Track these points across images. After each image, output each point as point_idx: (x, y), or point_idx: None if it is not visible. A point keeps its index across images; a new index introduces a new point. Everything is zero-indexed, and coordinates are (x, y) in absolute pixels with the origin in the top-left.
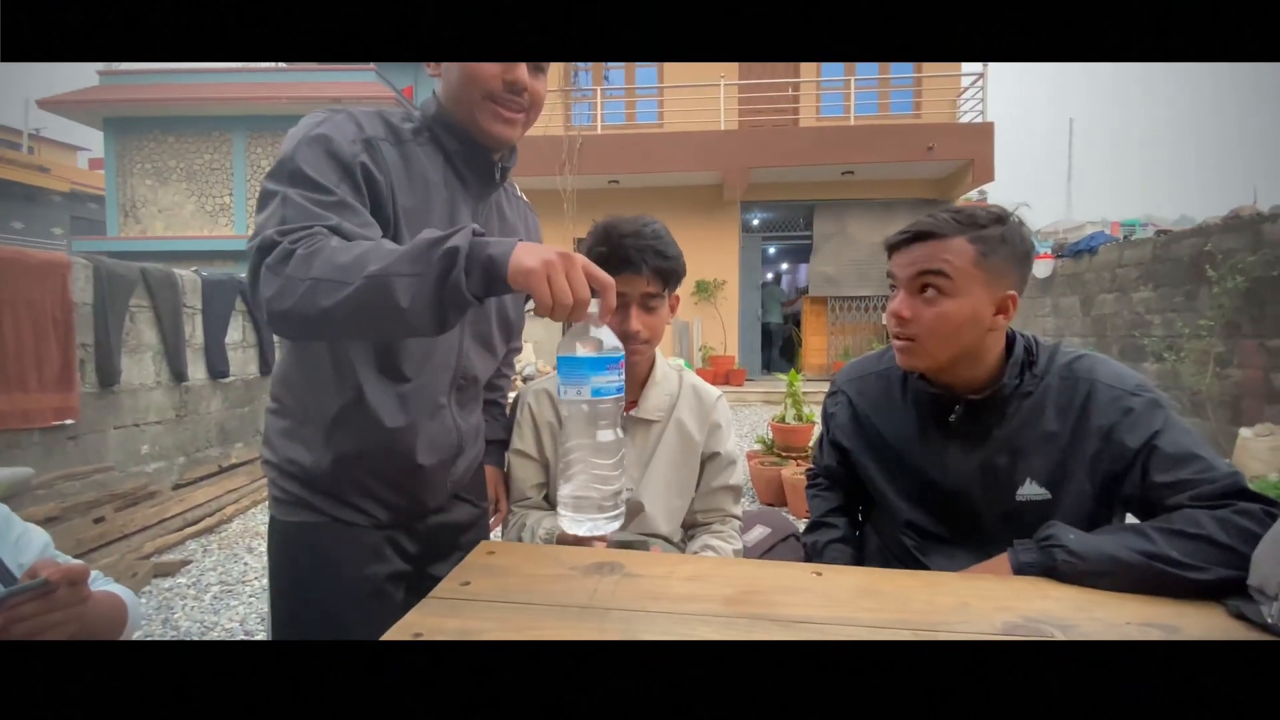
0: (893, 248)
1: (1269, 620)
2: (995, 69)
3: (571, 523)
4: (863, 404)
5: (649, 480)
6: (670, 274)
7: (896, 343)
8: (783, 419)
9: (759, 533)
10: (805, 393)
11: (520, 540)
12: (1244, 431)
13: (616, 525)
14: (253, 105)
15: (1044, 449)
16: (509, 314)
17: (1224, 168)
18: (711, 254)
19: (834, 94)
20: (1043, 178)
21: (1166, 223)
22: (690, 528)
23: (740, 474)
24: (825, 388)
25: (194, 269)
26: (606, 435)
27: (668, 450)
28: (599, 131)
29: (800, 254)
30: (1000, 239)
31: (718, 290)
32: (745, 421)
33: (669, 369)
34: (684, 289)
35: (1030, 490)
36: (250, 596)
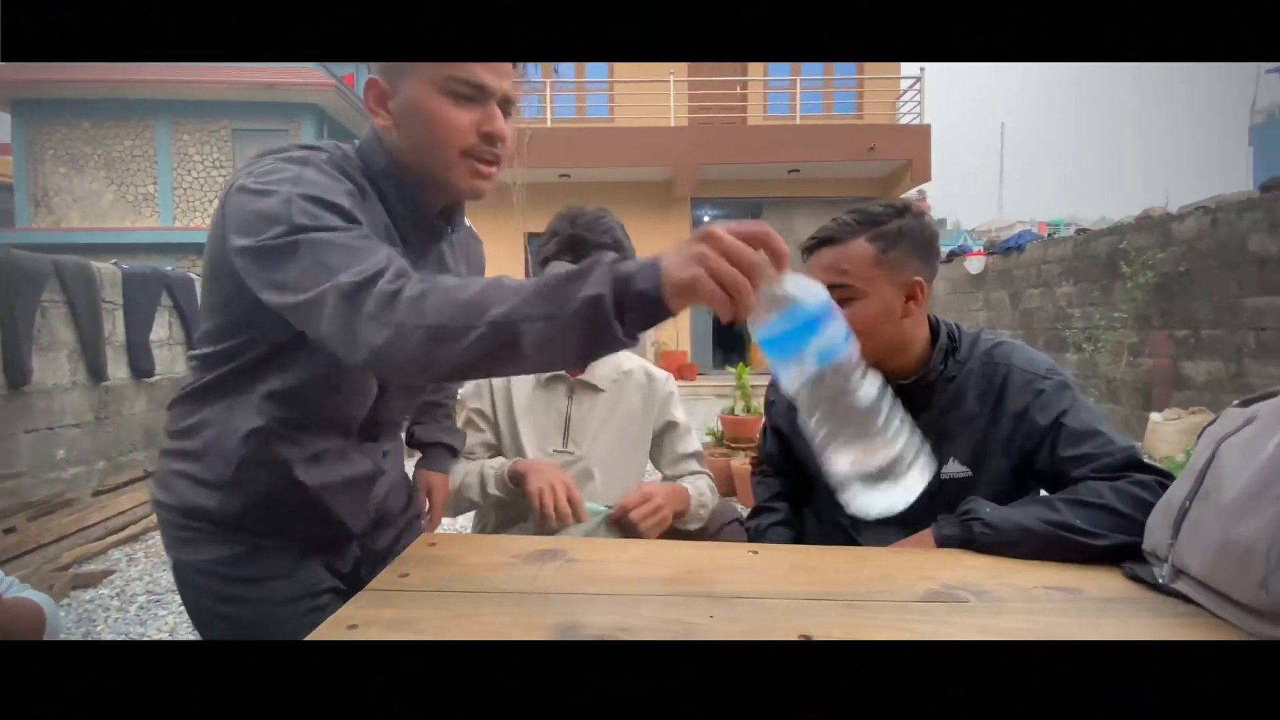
0: (805, 252)
1: (1160, 580)
2: (931, 73)
3: (868, 505)
4: None
5: (597, 448)
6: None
7: None
8: (732, 411)
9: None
10: (754, 386)
11: (471, 487)
12: (1154, 416)
13: (916, 491)
14: (178, 90)
15: (966, 430)
16: None
17: (1141, 172)
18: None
19: (780, 93)
20: (976, 179)
21: (1087, 222)
22: None
23: (698, 441)
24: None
25: (114, 261)
26: (867, 390)
27: (616, 421)
28: (549, 125)
29: None
30: (899, 232)
31: None
32: (697, 415)
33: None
34: None
35: (953, 469)
36: (181, 606)
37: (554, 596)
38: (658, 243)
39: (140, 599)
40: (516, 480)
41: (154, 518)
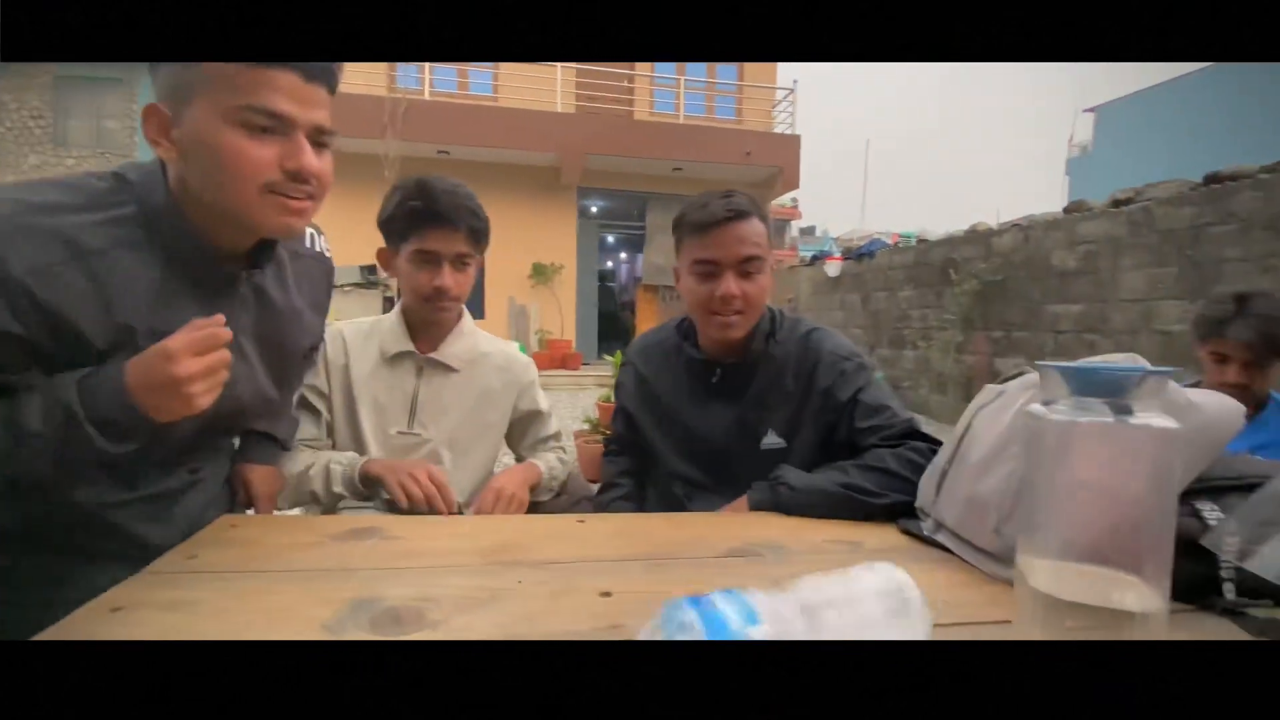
0: (707, 227)
1: (926, 533)
2: (804, 85)
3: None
4: (647, 371)
5: (447, 430)
6: (482, 235)
7: (722, 319)
8: (608, 398)
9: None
10: None
11: (314, 479)
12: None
13: None
14: None
15: (783, 405)
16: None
17: (979, 193)
18: (549, 237)
19: (666, 91)
20: (842, 191)
21: (934, 236)
22: None
23: (556, 423)
24: None
25: None
26: None
27: (469, 402)
28: (427, 97)
29: (636, 244)
30: (768, 217)
31: (555, 274)
32: (579, 404)
33: (477, 329)
34: (520, 271)
35: (771, 440)
36: None
37: (359, 573)
38: (545, 231)
39: None
40: (368, 482)
41: None
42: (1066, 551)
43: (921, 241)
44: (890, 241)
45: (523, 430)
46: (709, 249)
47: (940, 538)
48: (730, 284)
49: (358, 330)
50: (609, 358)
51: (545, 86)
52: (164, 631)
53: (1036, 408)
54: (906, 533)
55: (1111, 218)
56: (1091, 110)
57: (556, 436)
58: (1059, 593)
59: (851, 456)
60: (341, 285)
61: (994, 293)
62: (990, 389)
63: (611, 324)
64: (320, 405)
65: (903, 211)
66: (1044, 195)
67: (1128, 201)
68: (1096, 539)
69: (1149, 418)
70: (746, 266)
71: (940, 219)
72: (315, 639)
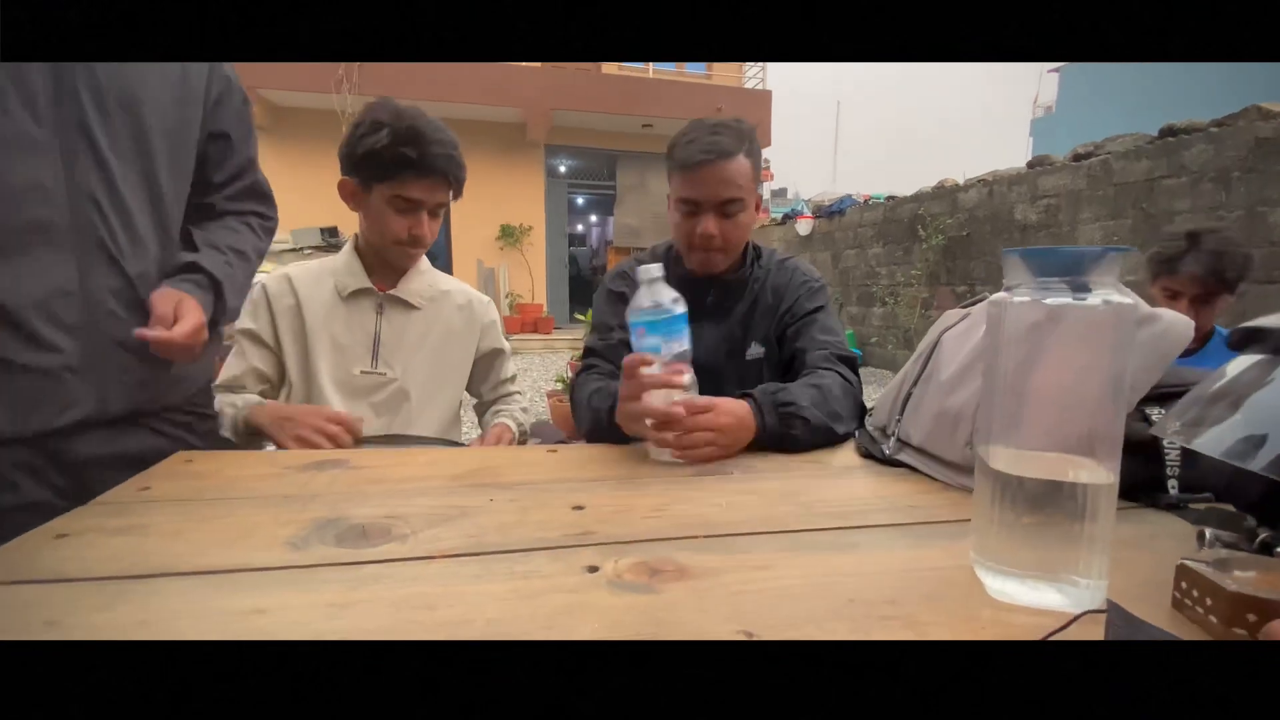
0: (691, 165)
1: (886, 453)
2: None
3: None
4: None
5: (412, 369)
6: (462, 184)
7: (700, 255)
8: (579, 358)
9: (531, 445)
10: None
11: (223, 425)
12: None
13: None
14: None
15: (764, 319)
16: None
17: (946, 153)
18: (517, 198)
19: None
20: (813, 152)
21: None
22: (483, 413)
23: (513, 368)
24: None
25: None
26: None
27: (433, 340)
28: None
29: (606, 205)
30: (757, 149)
31: (524, 236)
32: (551, 368)
33: (432, 267)
34: (488, 234)
35: (754, 351)
36: None
37: (322, 496)
38: (513, 191)
39: None
40: (253, 430)
41: None
42: (1025, 437)
43: (890, 199)
44: (860, 200)
45: (485, 370)
46: (690, 188)
47: (903, 457)
48: (709, 224)
49: (305, 270)
50: (581, 317)
51: None
52: (114, 553)
53: (999, 295)
54: (867, 455)
55: (1072, 171)
56: (1055, 70)
57: (514, 380)
58: (1016, 472)
59: (794, 364)
60: (301, 248)
61: (959, 248)
62: (954, 313)
63: (583, 288)
64: (256, 351)
65: (872, 175)
66: (1011, 157)
67: (1088, 156)
68: (1054, 421)
69: (1106, 294)
70: (726, 208)
71: (909, 182)
72: (279, 559)
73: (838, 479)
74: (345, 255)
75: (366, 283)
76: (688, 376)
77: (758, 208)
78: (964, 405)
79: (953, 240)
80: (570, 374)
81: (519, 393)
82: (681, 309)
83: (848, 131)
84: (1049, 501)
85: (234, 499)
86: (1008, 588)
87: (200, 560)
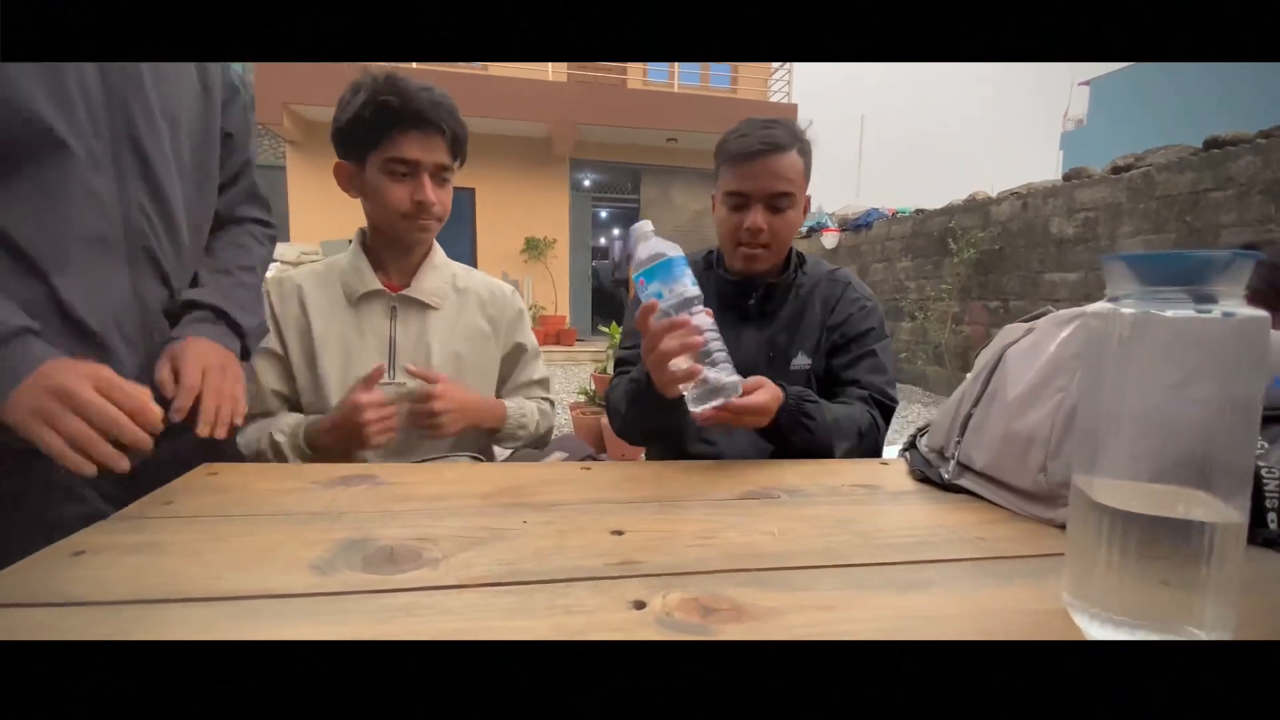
0: (742, 158)
1: (945, 477)
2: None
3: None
4: None
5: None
6: (462, 144)
7: (747, 250)
8: (604, 369)
9: (557, 457)
10: None
11: (264, 455)
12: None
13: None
14: None
15: (811, 330)
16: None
17: (974, 170)
18: (542, 211)
19: (659, 60)
20: (836, 166)
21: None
22: None
23: (544, 368)
24: None
25: None
26: (706, 320)
27: (456, 344)
28: (415, 66)
29: (629, 218)
30: (809, 148)
31: (548, 248)
32: (574, 380)
33: (448, 259)
34: (513, 245)
35: (800, 361)
36: None
37: (348, 514)
38: (538, 204)
39: None
40: (317, 441)
41: None
42: (1136, 469)
43: (919, 211)
44: (887, 214)
45: (508, 369)
46: (740, 180)
47: (965, 482)
48: (758, 217)
49: (311, 273)
50: (605, 329)
51: None
52: (130, 574)
53: (1102, 305)
54: (924, 480)
55: (1111, 184)
56: (1086, 83)
57: (544, 384)
58: (1123, 507)
59: (835, 389)
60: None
61: (992, 262)
62: (1015, 327)
63: (605, 301)
64: (276, 369)
65: (897, 188)
66: (1038, 172)
67: (1127, 168)
68: (1171, 450)
69: (1235, 306)
70: (776, 201)
71: (934, 196)
72: (302, 584)
73: (894, 505)
74: (352, 253)
75: (376, 284)
76: (705, 319)
77: (805, 210)
78: (1036, 427)
79: (985, 254)
80: (594, 386)
81: (547, 399)
82: (676, 253)
83: (871, 145)
84: (1165, 541)
85: (258, 515)
86: (1115, 636)
87: (218, 585)
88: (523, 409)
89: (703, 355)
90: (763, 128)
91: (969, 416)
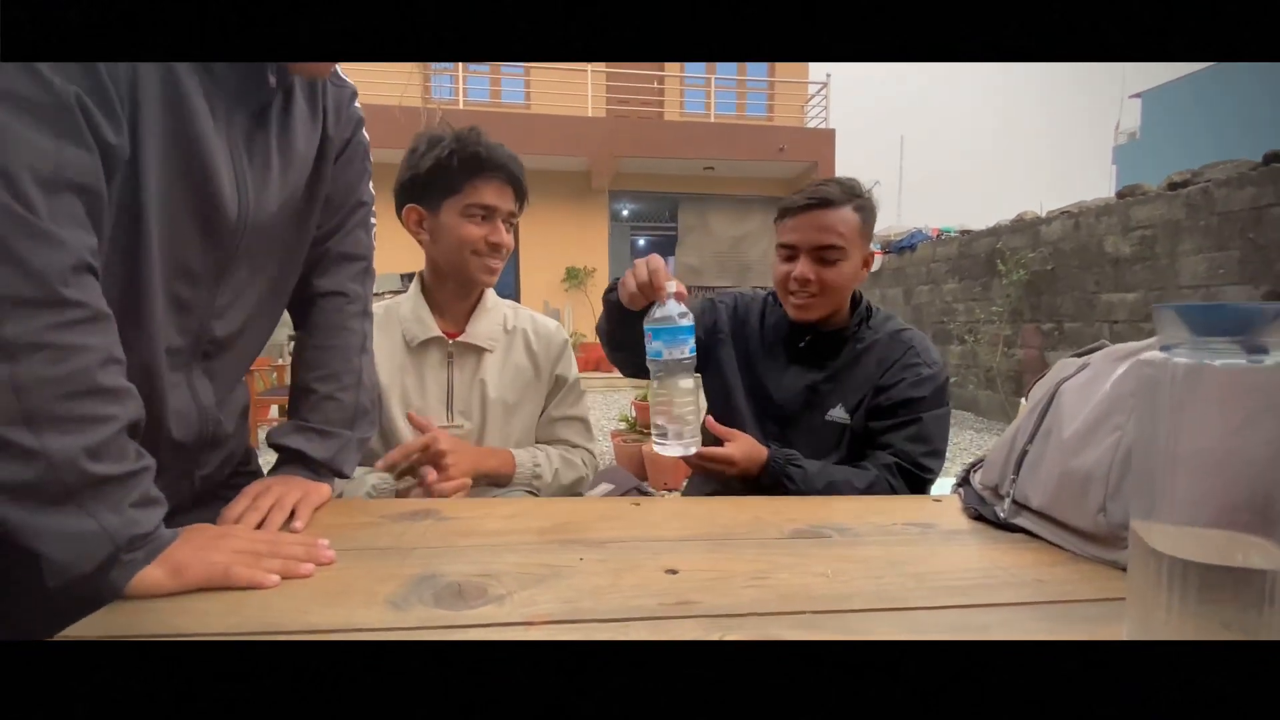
0: (791, 212)
1: (1001, 516)
2: (837, 81)
3: (662, 449)
4: (740, 313)
5: (492, 419)
6: (525, 195)
7: (795, 300)
8: (643, 397)
9: (603, 489)
10: None
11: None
12: (1024, 401)
13: (690, 451)
14: None
15: (858, 387)
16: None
17: (1021, 186)
18: (582, 241)
19: (696, 91)
20: (878, 189)
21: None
22: None
23: (586, 407)
24: None
25: None
26: (690, 381)
27: (507, 384)
28: (461, 107)
29: (668, 246)
30: (869, 207)
31: (588, 278)
32: (614, 406)
33: (498, 299)
34: (554, 274)
35: (837, 414)
36: None
37: (416, 550)
38: (578, 235)
39: None
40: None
41: None
42: (1194, 514)
43: (965, 232)
44: (931, 235)
45: (549, 402)
46: (788, 233)
47: (1021, 521)
48: (804, 267)
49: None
50: None
51: (576, 91)
52: (229, 607)
53: (1154, 354)
54: (978, 518)
55: (1168, 201)
56: (1138, 96)
57: (583, 425)
58: (1182, 554)
59: (864, 448)
60: (381, 293)
61: (1044, 283)
62: (1069, 362)
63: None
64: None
65: (940, 209)
66: (1090, 189)
67: (1184, 184)
68: (1229, 496)
69: None
70: (823, 253)
71: (979, 217)
72: (378, 619)
73: (947, 546)
74: (412, 298)
75: (435, 330)
76: (690, 384)
77: (866, 265)
78: (1093, 466)
79: (1035, 275)
80: (634, 414)
81: (586, 449)
82: (687, 322)
83: (911, 166)
84: (1224, 587)
85: (335, 549)
86: None
87: (305, 619)
88: (535, 458)
89: (675, 415)
90: (818, 185)
91: (1024, 453)
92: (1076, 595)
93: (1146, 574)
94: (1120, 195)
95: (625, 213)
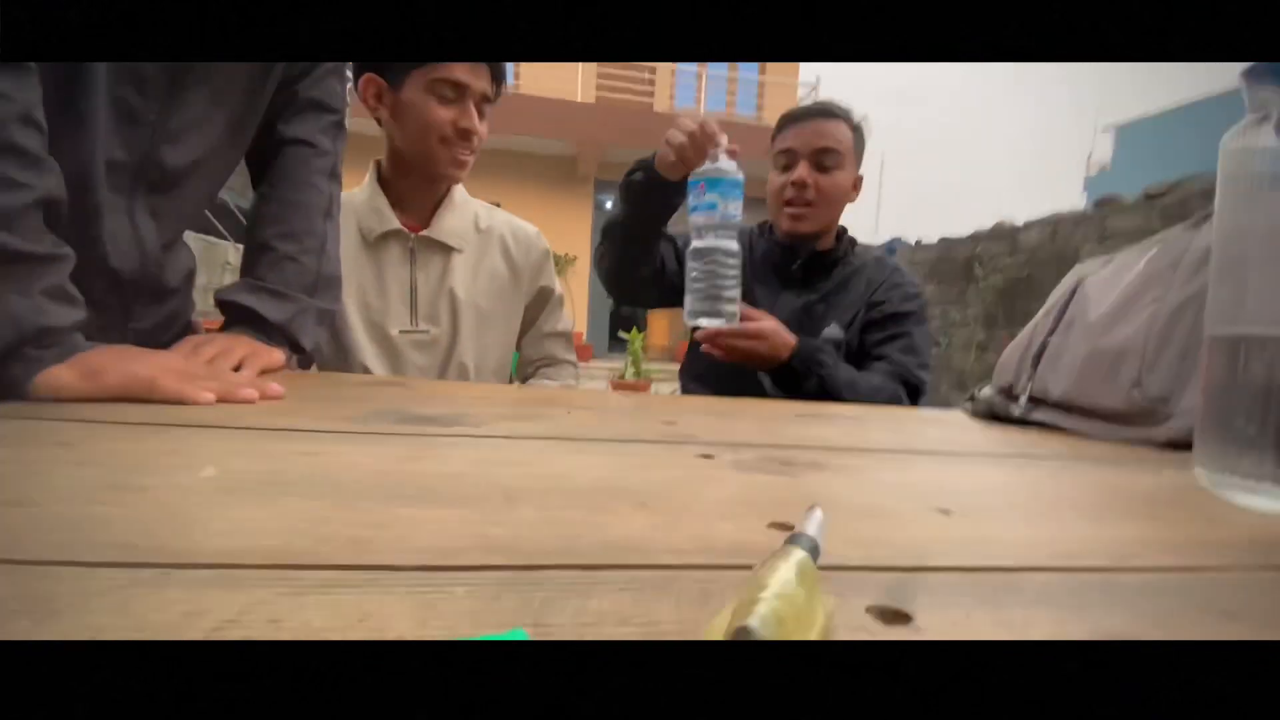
0: (792, 120)
1: (1015, 414)
2: (828, 85)
3: (701, 323)
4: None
5: (464, 324)
6: (503, 79)
7: (791, 209)
8: (622, 376)
9: None
10: (645, 369)
11: None
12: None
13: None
14: None
15: (851, 304)
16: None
17: (1002, 192)
18: (564, 228)
19: (687, 85)
20: (857, 204)
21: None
22: (521, 380)
23: (569, 320)
24: (667, 369)
25: None
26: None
27: (481, 287)
28: None
29: None
30: (860, 131)
31: (569, 265)
32: None
33: (469, 196)
34: None
35: (831, 331)
36: None
37: (382, 396)
38: (560, 221)
39: None
40: None
41: None
42: None
43: (943, 240)
44: (910, 244)
45: (532, 315)
46: (788, 138)
47: (1039, 416)
48: (803, 171)
49: None
50: (625, 335)
51: (566, 75)
52: (128, 409)
53: (1236, 129)
54: (991, 415)
55: (1145, 210)
56: (1109, 130)
57: (567, 339)
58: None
59: (862, 364)
60: None
61: (1019, 289)
62: (1090, 262)
63: (624, 319)
64: None
65: (918, 220)
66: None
67: (1161, 195)
68: None
69: None
70: (822, 159)
71: (955, 230)
72: (339, 428)
73: (960, 431)
74: (367, 188)
75: (395, 223)
76: (733, 245)
77: (856, 187)
78: (1127, 341)
79: (1012, 281)
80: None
81: (570, 362)
82: (742, 177)
83: (892, 186)
84: None
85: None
86: (1270, 505)
87: (246, 418)
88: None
89: (715, 282)
90: (817, 102)
91: (1042, 348)
92: (1119, 459)
93: (1229, 393)
94: (1098, 205)
95: (610, 204)
